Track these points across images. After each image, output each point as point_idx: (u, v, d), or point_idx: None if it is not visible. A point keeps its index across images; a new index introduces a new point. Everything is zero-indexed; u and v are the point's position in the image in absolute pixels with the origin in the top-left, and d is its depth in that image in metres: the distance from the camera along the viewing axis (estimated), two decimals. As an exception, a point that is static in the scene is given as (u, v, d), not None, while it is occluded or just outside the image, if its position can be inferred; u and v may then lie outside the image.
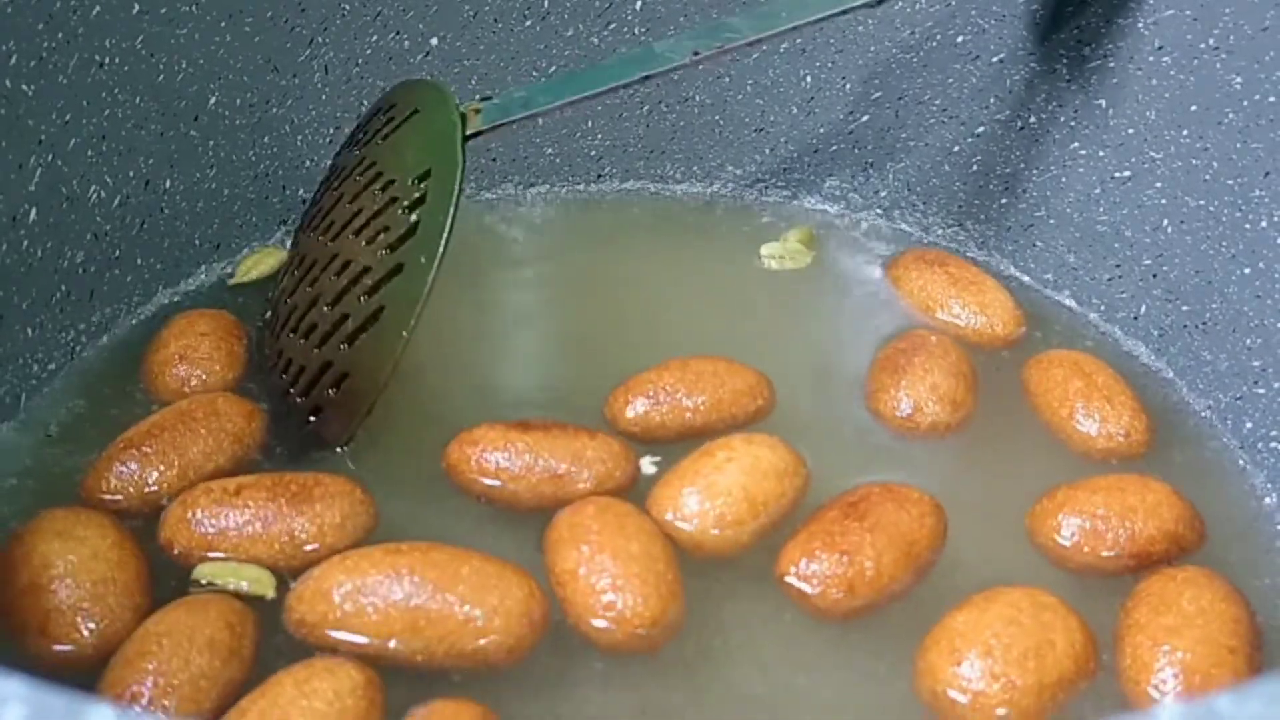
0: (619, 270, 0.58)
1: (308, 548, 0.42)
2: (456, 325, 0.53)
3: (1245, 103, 0.49)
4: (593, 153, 0.62)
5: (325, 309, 0.47)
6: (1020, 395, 0.52)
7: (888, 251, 0.60)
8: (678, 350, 0.51)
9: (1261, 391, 0.49)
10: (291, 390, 0.47)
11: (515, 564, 0.41)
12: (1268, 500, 0.48)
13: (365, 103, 0.57)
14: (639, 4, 0.59)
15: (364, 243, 0.47)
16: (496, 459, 0.45)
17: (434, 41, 0.58)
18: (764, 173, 0.63)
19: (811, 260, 0.59)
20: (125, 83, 0.50)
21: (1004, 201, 0.59)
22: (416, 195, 0.46)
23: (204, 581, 0.42)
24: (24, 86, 0.46)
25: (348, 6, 0.56)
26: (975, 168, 0.59)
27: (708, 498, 0.44)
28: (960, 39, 0.57)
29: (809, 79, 0.60)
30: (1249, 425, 0.50)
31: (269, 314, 0.52)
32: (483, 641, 0.39)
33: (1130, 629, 0.41)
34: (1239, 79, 0.49)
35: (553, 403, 0.51)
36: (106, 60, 0.49)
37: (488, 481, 0.45)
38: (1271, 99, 0.48)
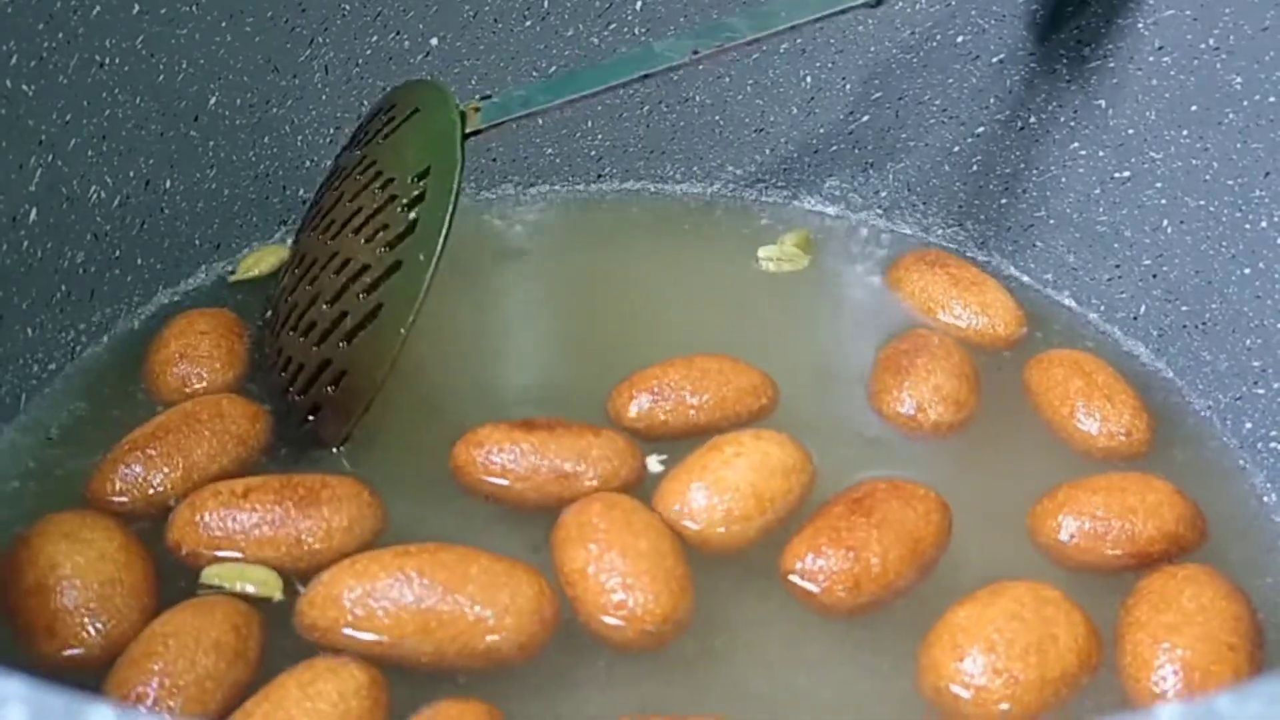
0: (618, 270, 0.58)
1: (315, 551, 0.42)
2: (456, 324, 0.53)
3: (1245, 103, 0.49)
4: (592, 153, 0.62)
5: (324, 307, 0.47)
6: (1021, 395, 0.52)
7: (886, 255, 0.60)
8: (679, 350, 0.51)
9: (1261, 392, 0.49)
10: (291, 388, 0.48)
11: (524, 562, 0.41)
12: (1267, 499, 0.48)
13: (365, 103, 0.57)
14: (639, 4, 0.59)
15: (363, 240, 0.47)
16: (503, 459, 0.45)
17: (434, 42, 0.58)
18: (764, 173, 0.63)
19: (809, 263, 0.59)
20: (125, 83, 0.50)
21: (1004, 202, 0.59)
22: (416, 193, 0.46)
23: (211, 583, 0.42)
24: (24, 86, 0.46)
25: (348, 7, 0.56)
26: (975, 168, 0.59)
27: (715, 494, 0.44)
28: (960, 39, 0.57)
29: (809, 79, 0.60)
30: (1248, 425, 0.50)
31: (269, 312, 0.52)
32: (494, 640, 0.39)
33: (1130, 626, 0.41)
34: (1239, 79, 0.49)
35: (553, 400, 0.51)
36: (107, 60, 0.49)
37: (495, 481, 0.45)
38: (1271, 99, 0.48)
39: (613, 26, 0.59)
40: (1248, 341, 0.50)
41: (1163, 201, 0.53)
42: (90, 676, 0.38)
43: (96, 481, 0.44)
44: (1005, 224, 0.59)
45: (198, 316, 0.51)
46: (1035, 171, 0.57)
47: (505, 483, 0.45)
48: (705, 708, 0.40)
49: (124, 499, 0.44)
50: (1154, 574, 0.43)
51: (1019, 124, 0.57)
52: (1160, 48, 0.51)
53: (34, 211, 0.47)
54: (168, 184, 0.53)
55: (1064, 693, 0.39)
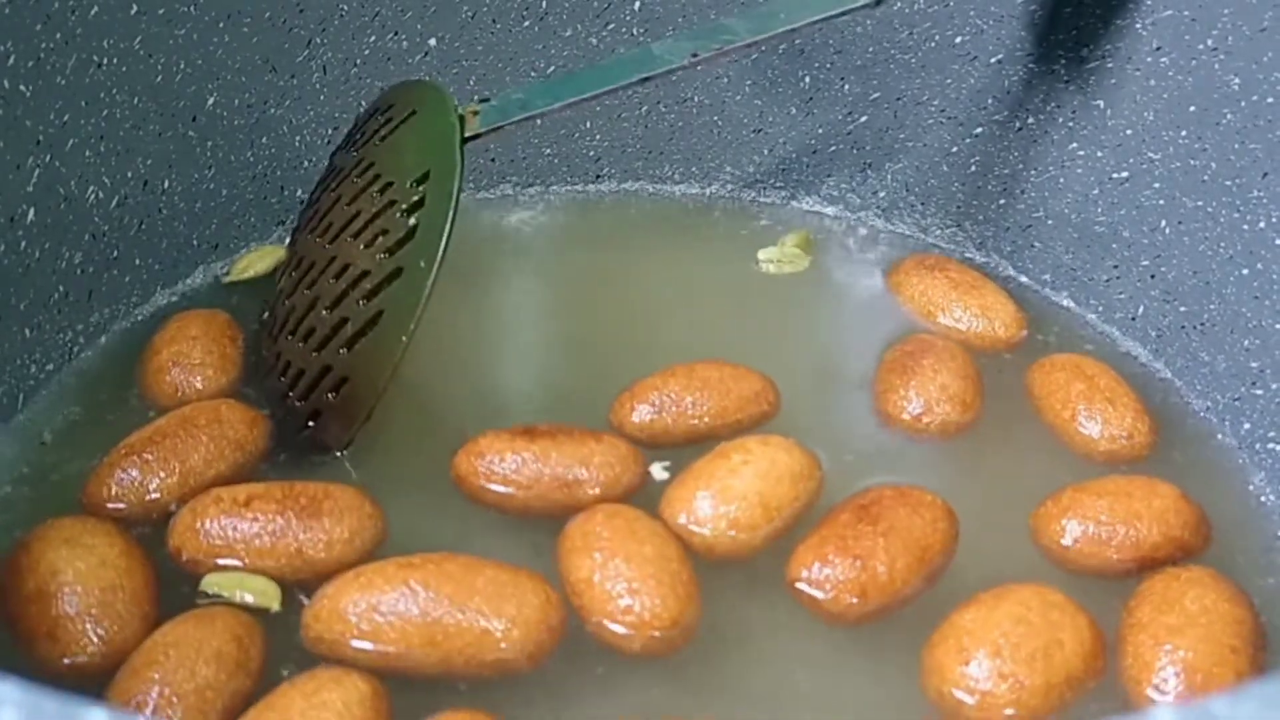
0: (618, 272, 0.58)
1: (316, 561, 0.42)
2: (455, 328, 0.53)
3: (1243, 103, 0.49)
4: (591, 153, 0.62)
5: (324, 312, 0.47)
6: (1023, 398, 0.52)
7: (885, 257, 0.60)
8: (680, 353, 0.51)
9: (1259, 392, 0.49)
10: (290, 394, 0.47)
11: (529, 570, 0.41)
12: (1266, 500, 0.48)
13: (363, 103, 0.57)
14: (637, 5, 0.59)
15: (362, 246, 0.47)
16: (505, 468, 0.45)
17: (432, 42, 0.58)
18: (762, 173, 0.63)
19: (809, 265, 0.59)
20: (123, 83, 0.50)
21: (1002, 202, 0.59)
22: (415, 198, 0.46)
23: (210, 592, 0.41)
24: (22, 87, 0.46)
25: (346, 7, 0.56)
26: (973, 168, 0.59)
27: (722, 502, 0.44)
28: (958, 40, 0.57)
29: (807, 79, 0.60)
30: (1247, 425, 0.50)
31: (266, 314, 0.51)
32: (502, 650, 0.39)
33: (1133, 628, 0.41)
34: (1237, 80, 0.49)
35: (554, 406, 0.51)
36: (105, 61, 0.49)
37: (498, 490, 0.45)
38: (1269, 100, 0.48)
39: (611, 27, 0.59)
40: (1246, 342, 0.50)
41: (1161, 202, 0.53)
42: (91, 684, 0.38)
43: (93, 486, 0.44)
44: (1004, 224, 0.59)
45: (190, 321, 0.51)
46: (1033, 172, 0.57)
47: (508, 491, 0.45)
48: (708, 711, 0.40)
49: (120, 504, 0.44)
50: (1157, 576, 0.43)
51: (1017, 124, 0.57)
52: (1158, 48, 0.51)
53: (32, 212, 0.47)
54: (166, 184, 0.53)
55: (1068, 697, 0.39)
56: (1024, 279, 0.58)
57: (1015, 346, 0.54)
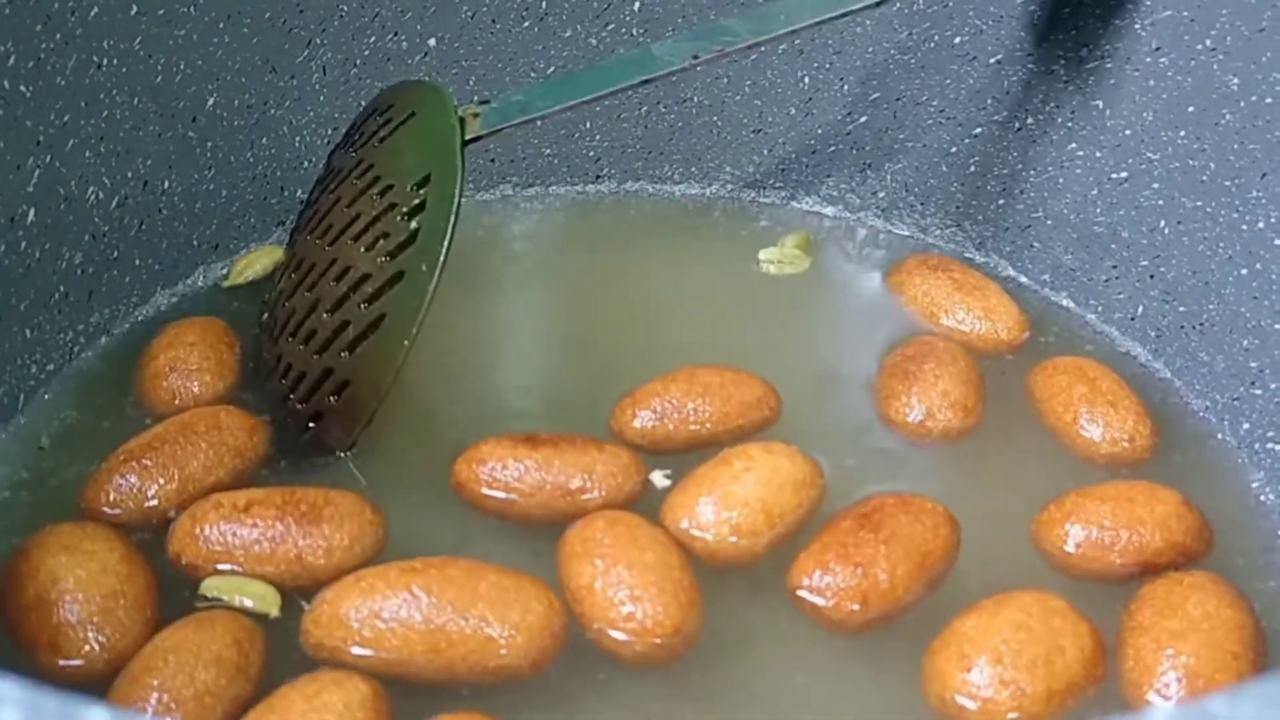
0: (618, 273, 0.58)
1: (316, 568, 0.42)
2: (455, 330, 0.52)
3: (1242, 104, 0.49)
4: (591, 153, 0.62)
5: (325, 315, 0.47)
6: (1024, 400, 0.52)
7: (885, 258, 0.60)
8: (680, 356, 0.50)
9: (1259, 392, 0.50)
10: (291, 396, 0.47)
11: (531, 576, 0.41)
12: (1266, 500, 0.48)
13: (363, 104, 0.57)
14: (637, 5, 0.59)
15: (363, 249, 0.47)
16: (507, 475, 0.45)
17: (432, 42, 0.58)
18: (762, 174, 0.63)
19: (809, 265, 0.59)
20: (123, 84, 0.50)
21: (1001, 202, 0.59)
22: (416, 201, 0.46)
23: (210, 596, 0.41)
24: (22, 87, 0.46)
25: (346, 8, 0.56)
26: (973, 169, 0.59)
27: (724, 508, 0.44)
28: (958, 40, 0.57)
29: (807, 80, 0.60)
30: (1246, 425, 0.50)
31: (266, 316, 0.51)
32: (505, 657, 0.39)
33: (1134, 631, 0.41)
34: (1236, 80, 0.49)
35: (555, 409, 0.51)
36: (105, 61, 0.49)
37: (498, 497, 0.45)
38: (1268, 100, 0.48)
39: (610, 28, 0.59)
40: (1245, 342, 0.50)
41: (1160, 202, 0.53)
42: (92, 690, 0.38)
43: (91, 491, 0.44)
44: (1003, 225, 0.59)
45: (187, 327, 0.51)
46: (1033, 172, 0.57)
47: (509, 498, 0.45)
48: (708, 718, 0.40)
49: (118, 510, 0.44)
50: (1159, 580, 0.43)
51: (1016, 125, 0.57)
52: (1157, 49, 0.51)
53: (32, 212, 0.47)
54: (166, 185, 0.53)
55: (1070, 704, 0.39)
56: (1023, 279, 0.58)
57: (1018, 348, 0.54)
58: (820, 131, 0.61)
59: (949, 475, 0.49)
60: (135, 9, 0.49)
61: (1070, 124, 0.55)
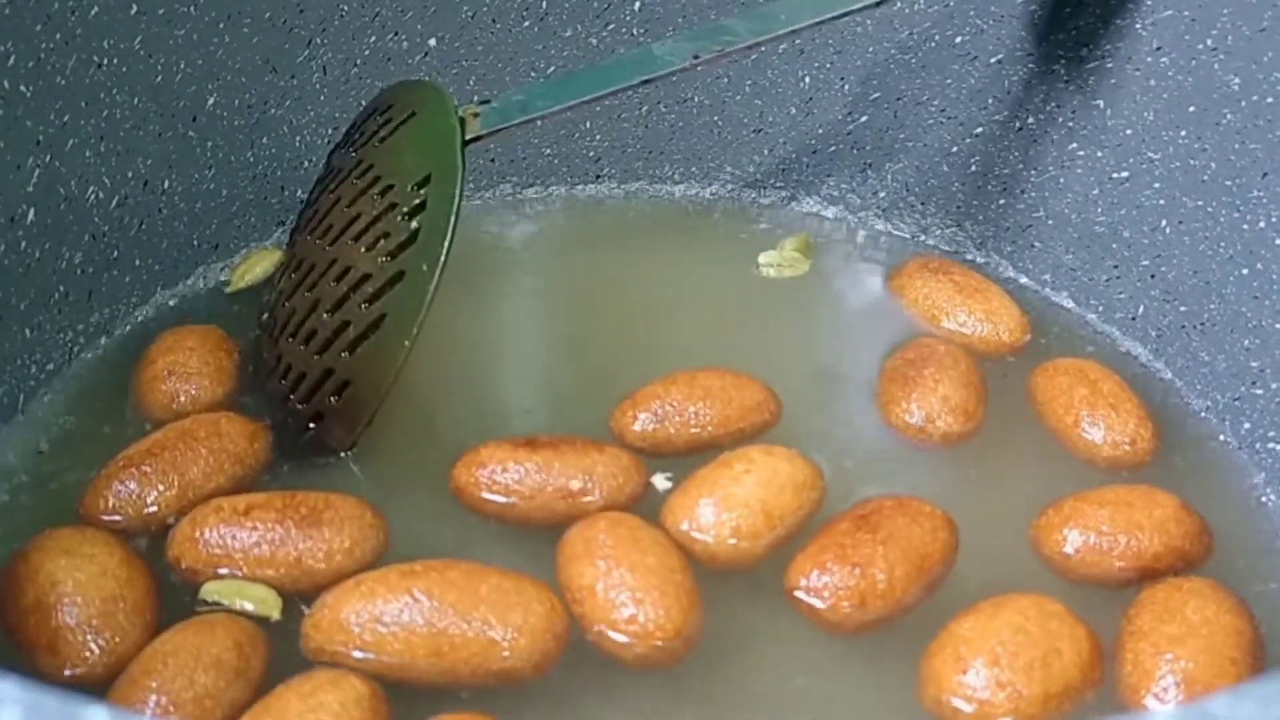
0: (618, 274, 0.58)
1: (316, 571, 0.42)
2: (455, 331, 0.52)
3: (1243, 103, 0.49)
4: (591, 153, 0.62)
5: (325, 315, 0.47)
6: (1025, 402, 0.52)
7: (886, 260, 0.59)
8: (681, 358, 0.50)
9: (1259, 392, 0.49)
10: (292, 396, 0.47)
11: (532, 577, 0.41)
12: (1266, 500, 0.48)
13: (364, 104, 0.57)
14: (637, 5, 0.59)
15: (363, 249, 0.47)
16: (506, 479, 0.45)
17: (432, 42, 0.58)
18: (762, 173, 0.63)
19: (809, 268, 0.59)
20: (123, 83, 0.50)
21: (1002, 202, 0.59)
22: (416, 201, 0.46)
23: (210, 600, 0.41)
24: (22, 87, 0.46)
25: (346, 7, 0.56)
26: (973, 169, 0.59)
27: (724, 509, 0.43)
28: (958, 40, 0.57)
29: (807, 80, 0.60)
30: (1247, 425, 0.50)
31: (266, 316, 0.51)
32: (507, 659, 0.39)
33: (1133, 635, 0.41)
34: (1237, 80, 0.49)
35: (554, 410, 0.51)
36: (105, 61, 0.49)
37: (499, 500, 0.45)
38: (1269, 100, 0.48)
39: (611, 27, 0.59)
40: (1246, 342, 0.50)
41: (1161, 202, 0.53)
42: (92, 693, 0.38)
43: (90, 497, 0.44)
44: (1004, 224, 0.59)
45: (186, 333, 0.51)
46: (1034, 172, 0.57)
47: (509, 501, 0.45)
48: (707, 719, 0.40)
49: (118, 516, 0.44)
50: (1158, 585, 0.43)
51: (1017, 124, 0.57)
52: (1158, 48, 0.51)
53: (32, 212, 0.47)
54: (166, 184, 0.53)
55: (1066, 708, 0.39)
56: (1024, 279, 0.58)
57: (1019, 351, 0.54)
58: (821, 131, 0.61)
59: (949, 478, 0.49)
60: (135, 9, 0.49)
61: (1071, 124, 0.55)
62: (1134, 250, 0.54)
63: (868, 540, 0.42)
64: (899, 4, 0.56)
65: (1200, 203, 0.51)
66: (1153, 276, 0.54)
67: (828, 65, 0.59)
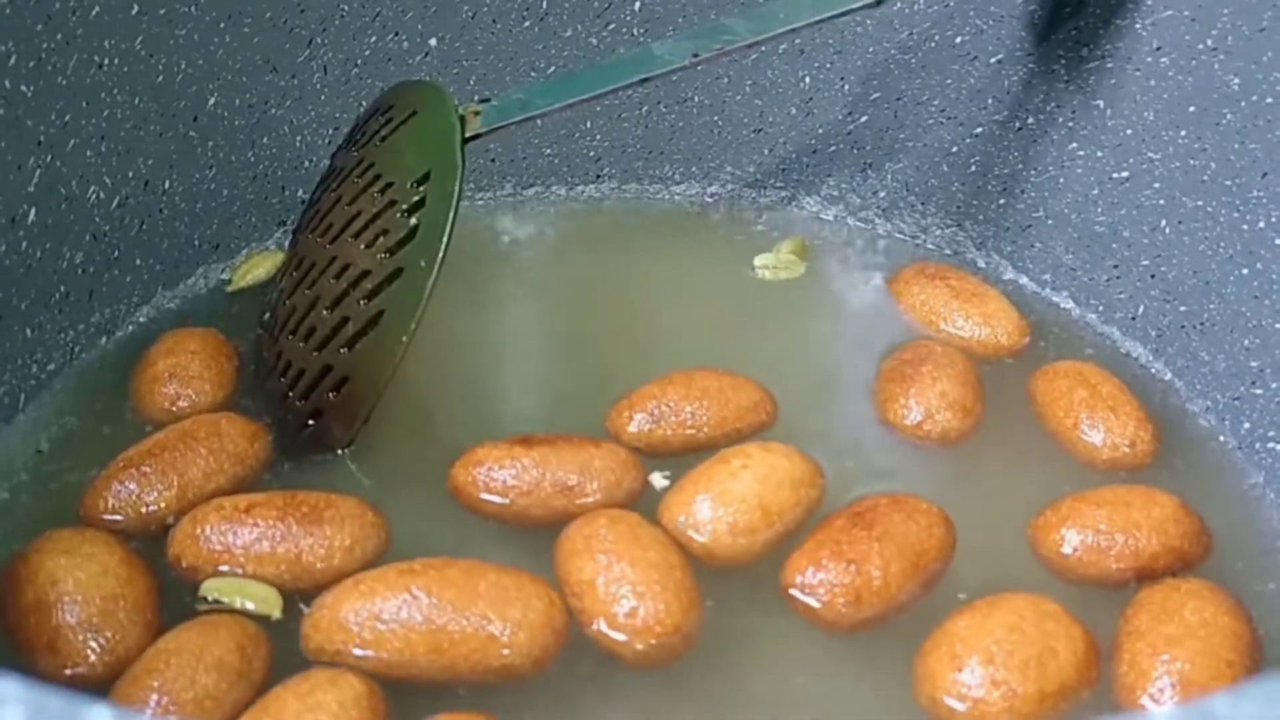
0: (618, 275, 0.58)
1: (316, 569, 0.42)
2: (454, 330, 0.52)
3: (1243, 103, 0.49)
4: (591, 153, 0.62)
5: (325, 312, 0.47)
6: (1025, 405, 0.52)
7: (885, 263, 0.59)
8: (679, 359, 0.50)
9: (1259, 392, 0.50)
10: (291, 394, 0.47)
11: (531, 573, 0.41)
12: (1266, 501, 0.48)
13: (364, 103, 0.57)
14: (637, 5, 0.59)
15: (363, 246, 0.47)
16: (504, 476, 0.45)
17: (433, 42, 0.58)
18: (762, 173, 0.63)
19: (805, 271, 0.59)
20: (124, 83, 0.50)
21: (1002, 202, 0.59)
22: (416, 198, 0.46)
23: (210, 598, 0.41)
24: (23, 87, 0.46)
25: (346, 7, 0.56)
26: (973, 169, 0.59)
27: (721, 505, 0.43)
28: (958, 40, 0.57)
29: (807, 80, 0.60)
30: (1247, 425, 0.50)
31: (266, 315, 0.51)
32: (507, 655, 0.39)
33: (1130, 635, 0.41)
34: (1237, 80, 0.49)
35: (551, 409, 0.51)
36: (105, 61, 0.49)
37: (496, 500, 0.45)
38: (1269, 100, 0.48)
39: (611, 27, 0.59)
40: (1246, 342, 0.50)
41: (1161, 202, 0.53)
42: (93, 693, 0.38)
43: (90, 498, 0.44)
44: (1003, 224, 0.59)
45: (187, 336, 0.51)
46: (1033, 172, 0.57)
47: (506, 500, 0.45)
48: (705, 716, 0.40)
49: (118, 517, 0.44)
50: (1156, 586, 0.43)
51: (1017, 124, 0.57)
52: (1158, 48, 0.51)
53: (33, 212, 0.47)
54: (166, 184, 0.53)
55: (1062, 707, 0.39)
56: (1024, 279, 0.58)
57: (1018, 354, 0.54)
58: (821, 131, 0.61)
59: (948, 478, 0.49)
60: (136, 9, 0.49)
61: (1071, 124, 0.55)
62: (1134, 250, 0.54)
63: (863, 537, 0.42)
64: (899, 4, 0.56)
65: (1200, 203, 0.51)
66: (1153, 276, 0.54)
67: (828, 65, 0.59)
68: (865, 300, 0.58)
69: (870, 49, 0.58)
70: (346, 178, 0.50)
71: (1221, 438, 0.51)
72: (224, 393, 0.49)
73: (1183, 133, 0.51)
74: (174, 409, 0.48)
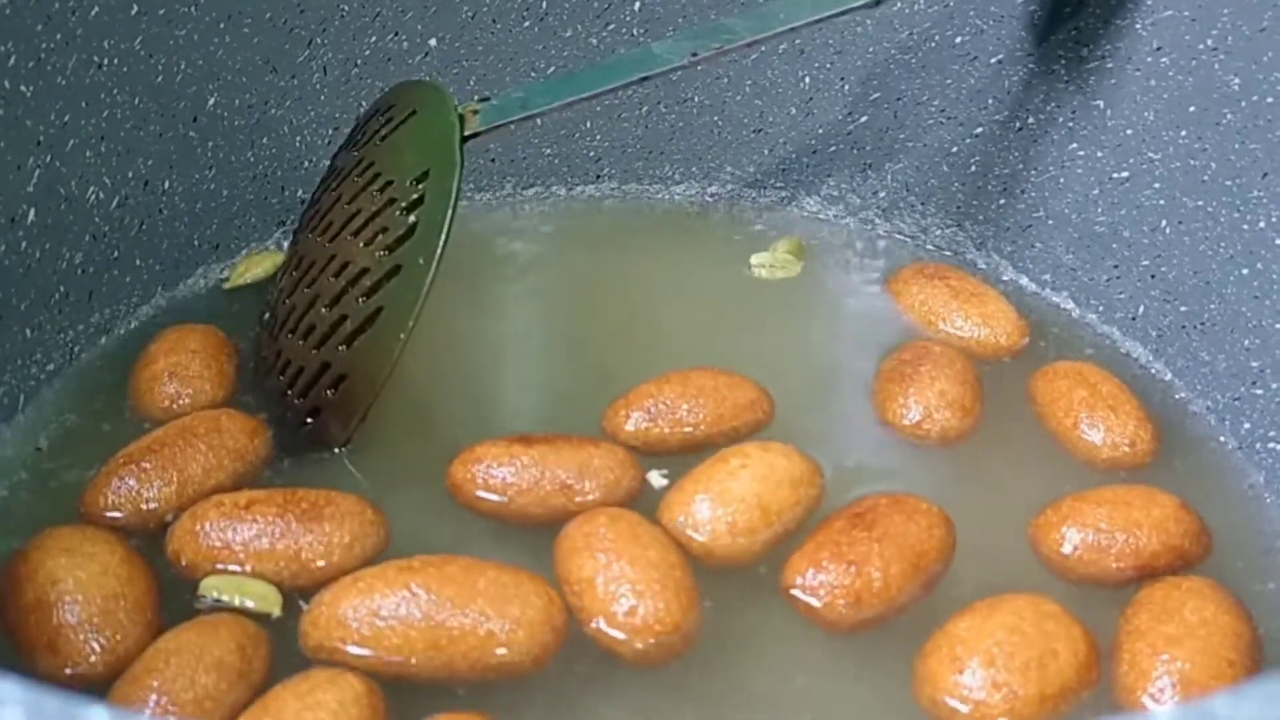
0: (617, 275, 0.58)
1: (315, 566, 0.42)
2: (453, 329, 0.52)
3: (1243, 103, 0.49)
4: (591, 153, 0.62)
5: (323, 310, 0.47)
6: (1025, 405, 0.51)
7: (884, 263, 0.59)
8: (678, 359, 0.50)
9: (1260, 392, 0.49)
10: (289, 391, 0.47)
11: (529, 571, 0.41)
12: (1266, 500, 0.48)
13: (364, 104, 0.57)
14: (637, 5, 0.59)
15: (362, 244, 0.47)
16: (503, 473, 0.45)
17: (432, 42, 0.58)
18: (762, 174, 0.63)
19: (802, 270, 0.59)
20: (124, 83, 0.50)
21: (1002, 202, 0.59)
22: (415, 196, 0.46)
23: (209, 596, 0.41)
24: (23, 87, 0.46)
25: (346, 7, 0.56)
26: (973, 169, 0.59)
27: (720, 504, 0.43)
28: (958, 40, 0.57)
29: (807, 80, 0.60)
30: (1247, 426, 0.50)
31: (267, 315, 0.51)
32: (505, 653, 0.39)
33: (1130, 635, 0.41)
34: (1237, 80, 0.49)
35: (549, 409, 0.51)
36: (105, 61, 0.49)
37: (494, 498, 0.45)
38: (1269, 100, 0.48)
39: (611, 27, 0.59)
40: (1246, 342, 0.50)
41: (1161, 202, 0.53)
42: (92, 692, 0.38)
43: (90, 494, 0.44)
44: (1004, 224, 0.59)
45: (189, 333, 0.51)
46: (1034, 172, 0.57)
47: (505, 498, 0.45)
48: (705, 716, 0.40)
49: (118, 513, 0.44)
50: (1156, 584, 0.43)
51: (1017, 124, 0.57)
52: (1158, 48, 0.51)
53: (32, 212, 0.47)
54: (166, 185, 0.53)
55: (1062, 708, 0.39)
56: (1024, 280, 0.58)
57: (1017, 354, 0.54)
58: (821, 131, 0.61)
59: (948, 478, 0.49)
60: (136, 9, 0.49)
61: (1071, 124, 0.55)
62: (1134, 250, 0.54)
63: (863, 538, 0.42)
64: (899, 4, 0.56)
65: (1200, 203, 0.51)
66: (1153, 276, 0.54)
67: (828, 65, 0.59)
68: (864, 300, 0.58)
69: (870, 49, 0.58)
70: (346, 177, 0.50)
71: (1222, 438, 0.51)
72: (224, 392, 0.49)
73: (1183, 133, 0.51)
74: (174, 408, 0.48)
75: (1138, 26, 0.52)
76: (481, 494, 0.45)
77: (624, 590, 0.40)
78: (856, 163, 0.61)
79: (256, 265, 0.56)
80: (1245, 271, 0.50)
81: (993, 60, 0.56)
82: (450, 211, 0.45)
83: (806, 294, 0.58)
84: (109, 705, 0.29)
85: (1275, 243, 0.48)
